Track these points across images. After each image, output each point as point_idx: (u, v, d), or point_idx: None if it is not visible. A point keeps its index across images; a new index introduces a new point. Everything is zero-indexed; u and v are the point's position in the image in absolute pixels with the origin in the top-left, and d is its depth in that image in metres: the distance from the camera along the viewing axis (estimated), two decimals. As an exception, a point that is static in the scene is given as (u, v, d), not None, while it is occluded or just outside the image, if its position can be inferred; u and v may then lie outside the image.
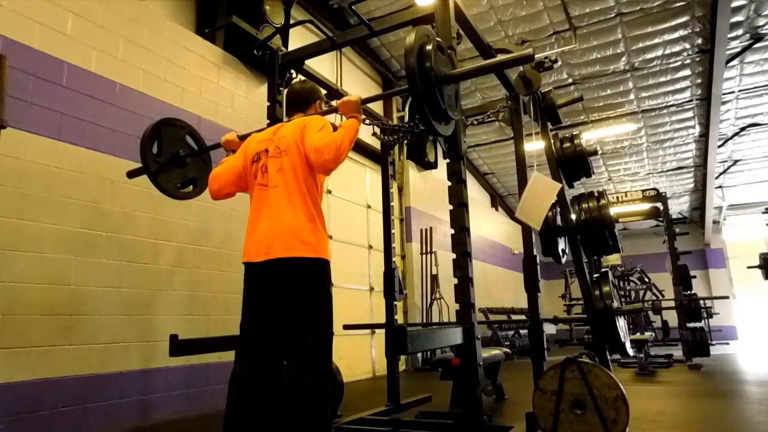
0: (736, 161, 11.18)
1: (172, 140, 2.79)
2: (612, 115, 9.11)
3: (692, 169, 11.52)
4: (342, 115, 2.09)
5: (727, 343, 11.85)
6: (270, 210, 1.93)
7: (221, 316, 4.24)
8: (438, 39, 1.94)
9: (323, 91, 2.34)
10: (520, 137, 3.36)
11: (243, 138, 2.33)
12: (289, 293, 1.87)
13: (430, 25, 2.69)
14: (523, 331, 10.30)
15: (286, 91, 2.41)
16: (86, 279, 3.35)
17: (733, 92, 8.38)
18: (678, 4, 6.50)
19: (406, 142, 7.23)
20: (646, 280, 11.02)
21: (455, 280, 2.31)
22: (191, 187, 2.89)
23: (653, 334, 10.45)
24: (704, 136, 9.62)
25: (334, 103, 3.65)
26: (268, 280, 1.90)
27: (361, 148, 7.19)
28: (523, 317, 9.97)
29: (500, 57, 1.93)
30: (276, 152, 2.00)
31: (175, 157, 2.77)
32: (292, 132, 2.01)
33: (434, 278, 7.98)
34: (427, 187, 8.77)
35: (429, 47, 1.84)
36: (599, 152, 9.22)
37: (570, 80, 8.13)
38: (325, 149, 1.85)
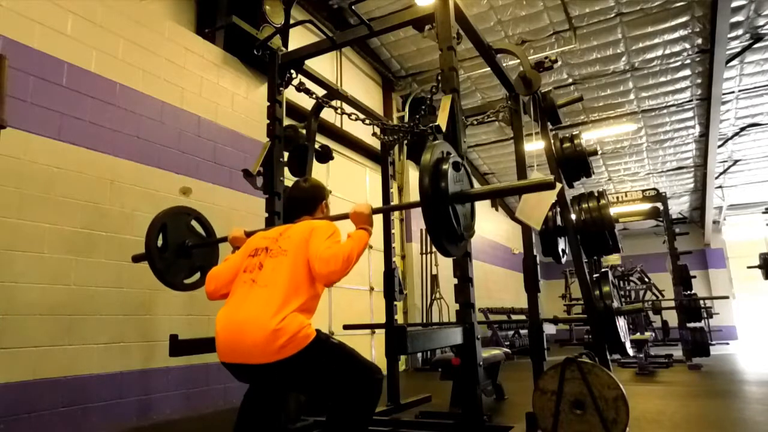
0: (736, 161, 11.18)
1: (178, 229, 2.69)
2: (612, 115, 9.11)
3: (692, 169, 11.52)
4: (353, 223, 1.97)
5: (727, 343, 11.84)
6: (252, 308, 1.73)
7: (221, 316, 4.23)
8: (454, 157, 1.85)
9: (327, 191, 2.24)
10: (520, 137, 3.35)
11: (250, 234, 2.20)
12: (291, 387, 1.82)
13: (430, 25, 2.70)
14: (523, 331, 10.30)
15: (289, 189, 2.25)
16: (86, 279, 3.35)
17: (733, 92, 8.38)
18: (678, 4, 6.50)
19: (406, 142, 7.23)
20: (646, 280, 11.02)
21: (455, 280, 2.31)
22: (198, 274, 2.80)
23: (653, 334, 10.45)
24: (704, 136, 9.62)
25: (336, 104, 3.65)
26: (261, 380, 1.81)
27: (361, 148, 7.20)
28: (523, 317, 9.96)
29: (520, 182, 1.89)
30: (277, 252, 1.85)
31: (182, 247, 2.69)
32: (299, 234, 1.88)
33: (434, 278, 7.98)
34: (427, 187, 8.75)
35: (445, 166, 1.75)
36: (599, 152, 9.24)
37: (570, 80, 8.13)
38: (331, 260, 1.72)
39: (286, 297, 1.72)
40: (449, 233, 1.80)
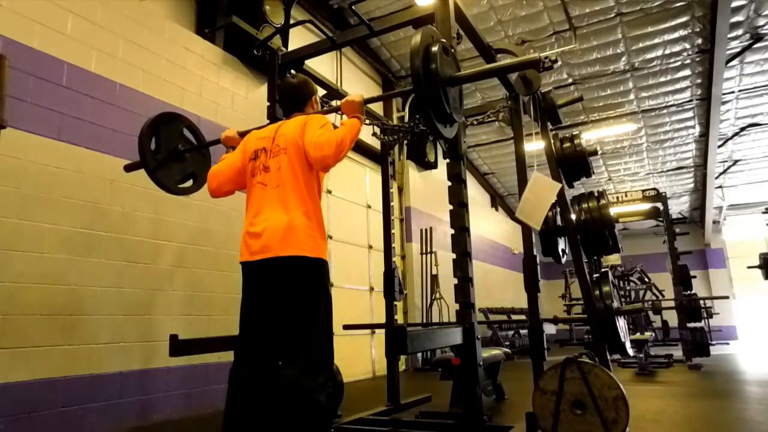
0: (736, 161, 11.18)
1: (171, 135, 2.75)
2: (612, 115, 9.11)
3: (692, 169, 11.52)
4: (344, 114, 2.09)
5: (727, 343, 11.85)
6: (268, 209, 1.91)
7: (221, 316, 4.24)
8: (443, 40, 1.94)
9: (321, 91, 2.33)
10: (520, 137, 3.35)
11: (243, 134, 2.33)
12: (287, 292, 1.86)
13: (430, 25, 2.70)
14: (523, 331, 10.30)
15: (279, 85, 2.38)
16: (86, 279, 3.35)
17: (733, 92, 8.38)
18: (678, 4, 6.50)
19: (406, 142, 7.22)
20: (646, 280, 11.02)
21: (455, 280, 2.31)
22: (191, 181, 2.87)
23: (653, 334, 10.46)
24: (704, 136, 9.62)
25: (335, 102, 3.65)
26: (267, 279, 1.89)
27: (361, 148, 7.20)
28: (523, 317, 9.96)
29: (506, 61, 1.91)
30: (276, 150, 1.99)
31: (174, 152, 2.75)
32: (292, 130, 2.00)
33: (434, 278, 7.98)
34: (427, 187, 8.77)
35: (434, 48, 1.83)
36: (599, 152, 9.24)
37: (570, 80, 8.13)
38: (325, 145, 1.85)
39: (297, 192, 1.91)
40: (441, 114, 1.86)
